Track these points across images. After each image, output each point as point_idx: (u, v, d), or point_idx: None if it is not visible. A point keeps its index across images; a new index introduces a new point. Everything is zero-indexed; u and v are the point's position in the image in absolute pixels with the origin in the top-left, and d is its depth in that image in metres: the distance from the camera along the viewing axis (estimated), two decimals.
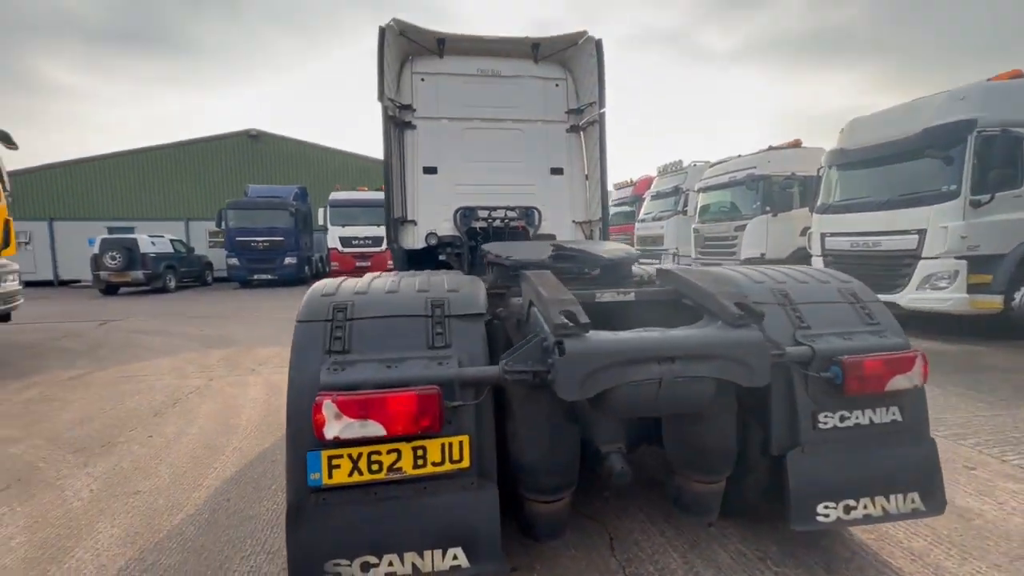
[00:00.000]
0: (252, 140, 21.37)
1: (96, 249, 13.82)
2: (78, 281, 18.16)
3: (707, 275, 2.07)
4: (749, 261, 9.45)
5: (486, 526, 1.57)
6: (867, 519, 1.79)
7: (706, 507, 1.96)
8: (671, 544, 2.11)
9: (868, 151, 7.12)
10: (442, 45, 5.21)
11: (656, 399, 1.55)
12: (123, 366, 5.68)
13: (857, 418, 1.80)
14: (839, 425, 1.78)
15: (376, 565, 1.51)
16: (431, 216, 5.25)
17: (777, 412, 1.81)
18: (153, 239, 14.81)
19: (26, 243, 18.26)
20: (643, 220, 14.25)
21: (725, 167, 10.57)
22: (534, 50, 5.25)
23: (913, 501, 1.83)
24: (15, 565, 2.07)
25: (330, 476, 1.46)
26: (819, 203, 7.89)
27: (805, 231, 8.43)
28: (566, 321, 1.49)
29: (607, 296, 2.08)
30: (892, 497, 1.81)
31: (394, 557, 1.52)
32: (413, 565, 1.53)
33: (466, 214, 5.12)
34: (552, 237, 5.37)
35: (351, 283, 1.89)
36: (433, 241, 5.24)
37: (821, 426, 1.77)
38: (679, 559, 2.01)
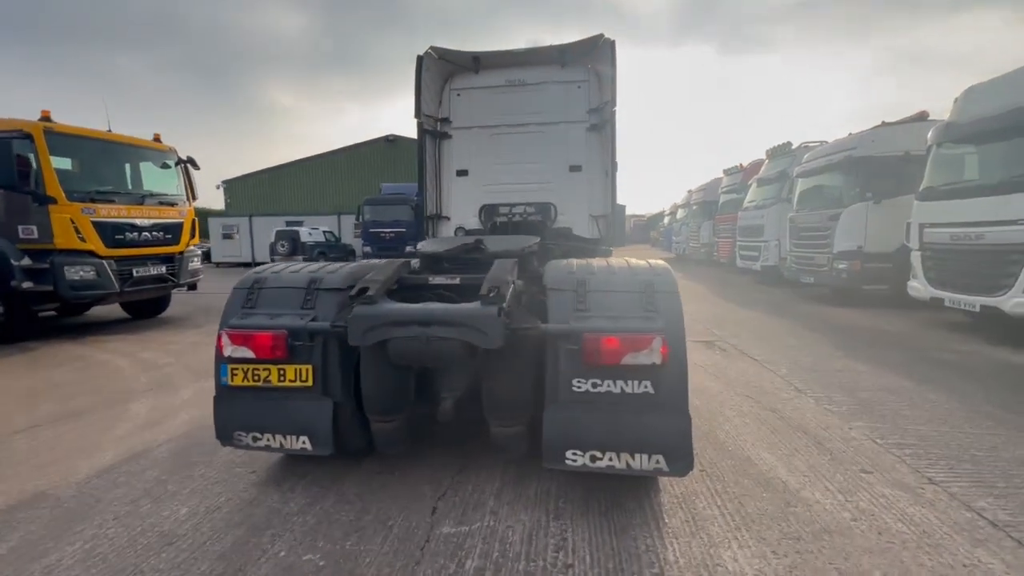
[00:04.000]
0: (389, 144, 24.80)
1: (272, 239, 17.86)
2: (265, 263, 23.45)
3: (507, 264, 2.56)
4: (843, 255, 8.38)
5: (322, 426, 2.41)
6: (611, 469, 2.17)
7: (508, 447, 2.49)
8: (498, 476, 2.68)
9: (983, 124, 5.92)
10: (477, 62, 5.97)
11: (423, 352, 2.19)
12: None
13: (609, 386, 2.17)
14: (591, 390, 2.18)
15: (260, 438, 2.46)
16: (462, 212, 6.14)
17: (548, 375, 2.28)
18: (310, 231, 18.51)
19: (235, 234, 24.21)
20: (746, 209, 13.16)
21: (826, 148, 9.35)
22: (561, 56, 5.74)
23: (658, 462, 2.14)
24: (147, 419, 3.55)
25: (232, 380, 2.45)
26: (922, 188, 6.75)
27: None
28: (357, 293, 2.24)
29: (439, 279, 2.72)
30: (638, 455, 2.15)
31: (270, 435, 2.45)
32: (280, 442, 2.45)
33: (489, 210, 5.88)
34: (569, 231, 5.85)
35: (278, 266, 2.86)
36: (461, 234, 6.07)
37: (575, 389, 2.20)
38: (496, 486, 2.59)
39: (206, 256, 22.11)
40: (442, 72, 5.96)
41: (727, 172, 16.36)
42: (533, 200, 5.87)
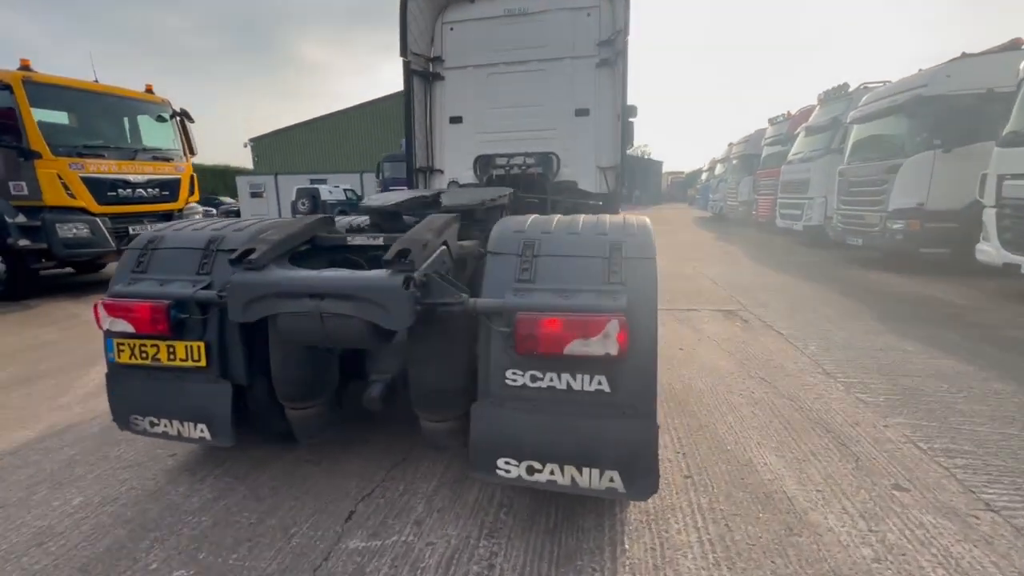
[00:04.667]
0: None
1: (293, 197, 17.75)
2: None
3: (436, 221, 2.02)
4: (900, 213, 7.30)
5: (220, 412, 2.03)
6: (551, 484, 1.70)
7: (439, 444, 2.06)
8: (438, 474, 2.27)
9: None
10: None
11: (320, 331, 1.74)
12: None
13: (552, 381, 1.67)
14: (530, 384, 1.69)
15: (157, 424, 2.13)
16: (456, 165, 5.57)
17: (480, 363, 1.79)
18: (331, 188, 18.28)
19: (263, 193, 24.36)
20: (790, 162, 11.84)
21: (889, 88, 8.02)
22: None
23: (611, 480, 1.65)
24: (99, 386, 3.34)
25: (119, 356, 2.09)
26: (1006, 131, 5.61)
27: None
28: (239, 256, 1.78)
29: (359, 239, 2.22)
30: (586, 471, 1.67)
31: (166, 421, 2.11)
32: (178, 430, 2.10)
33: (485, 162, 5.29)
34: (573, 184, 5.22)
35: (181, 223, 2.44)
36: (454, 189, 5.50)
37: (509, 382, 1.71)
38: (432, 486, 2.18)
39: (236, 215, 22.42)
40: (433, 2, 5.24)
41: (772, 121, 14.78)
42: (534, 150, 5.23)
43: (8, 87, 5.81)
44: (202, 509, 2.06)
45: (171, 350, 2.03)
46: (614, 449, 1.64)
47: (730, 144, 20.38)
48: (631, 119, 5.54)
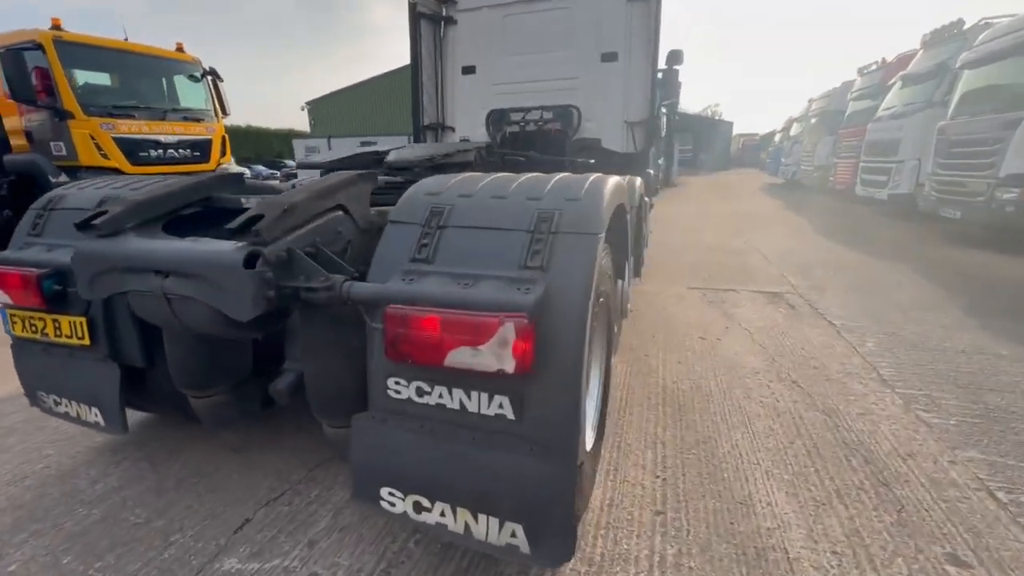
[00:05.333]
0: None
1: None
2: None
3: (329, 180, 1.58)
4: (1015, 180, 5.92)
5: (108, 397, 1.80)
6: (441, 529, 1.30)
7: (341, 451, 1.70)
8: None
9: None
10: None
11: (168, 313, 1.41)
12: None
13: (441, 396, 1.25)
14: (415, 399, 1.28)
15: (60, 403, 1.94)
16: (468, 120, 5.12)
17: (369, 365, 1.39)
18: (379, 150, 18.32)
19: (319, 156, 25.01)
20: (878, 118, 10.13)
21: (1016, 22, 6.38)
22: None
23: (513, 535, 1.23)
24: None
25: (13, 329, 1.90)
26: None
27: None
28: (85, 221, 1.47)
29: (255, 201, 1.84)
30: (482, 517, 1.25)
31: (66, 401, 1.92)
32: (77, 412, 1.90)
33: (498, 117, 4.80)
34: (597, 142, 4.63)
35: (84, 183, 2.17)
36: None
37: (392, 394, 1.30)
38: (347, 497, 1.86)
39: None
40: None
41: (862, 71, 12.72)
42: (553, 103, 4.64)
43: (40, 46, 5.93)
44: (100, 499, 1.87)
45: (56, 325, 1.81)
46: (517, 495, 1.21)
47: (810, 100, 18.03)
48: (675, 66, 4.76)
